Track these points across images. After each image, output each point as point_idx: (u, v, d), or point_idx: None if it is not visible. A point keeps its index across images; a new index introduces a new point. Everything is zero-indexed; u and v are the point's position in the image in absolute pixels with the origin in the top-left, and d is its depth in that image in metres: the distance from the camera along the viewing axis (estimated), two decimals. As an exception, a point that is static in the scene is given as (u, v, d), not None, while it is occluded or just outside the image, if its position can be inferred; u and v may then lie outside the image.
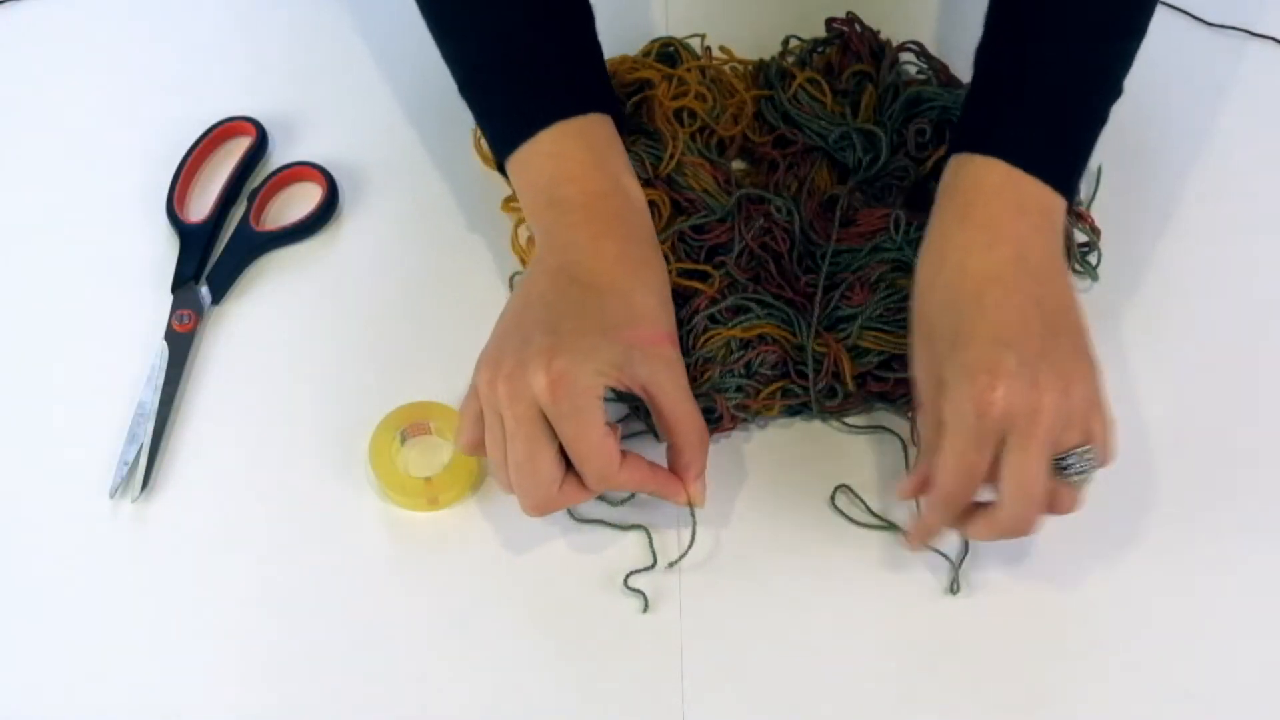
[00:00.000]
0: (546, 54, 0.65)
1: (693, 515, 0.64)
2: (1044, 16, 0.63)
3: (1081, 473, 0.57)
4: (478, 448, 0.60)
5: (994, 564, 0.64)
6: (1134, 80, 0.80)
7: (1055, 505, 0.58)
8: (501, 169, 0.66)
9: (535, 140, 0.63)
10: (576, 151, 0.63)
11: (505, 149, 0.65)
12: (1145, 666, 0.62)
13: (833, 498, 0.66)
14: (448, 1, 0.66)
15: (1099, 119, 0.65)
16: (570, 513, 0.65)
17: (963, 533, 0.61)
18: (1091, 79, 0.64)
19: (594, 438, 0.57)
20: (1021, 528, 0.58)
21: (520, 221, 0.74)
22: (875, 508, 0.66)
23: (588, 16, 0.67)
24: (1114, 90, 0.65)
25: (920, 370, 0.60)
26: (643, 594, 0.63)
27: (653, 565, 0.63)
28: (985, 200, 0.60)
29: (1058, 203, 0.61)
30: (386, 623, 0.63)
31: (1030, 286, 0.59)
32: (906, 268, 0.67)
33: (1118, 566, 0.64)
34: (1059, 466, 0.57)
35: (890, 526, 0.65)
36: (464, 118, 0.70)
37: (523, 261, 0.73)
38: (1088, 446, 0.57)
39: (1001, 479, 0.56)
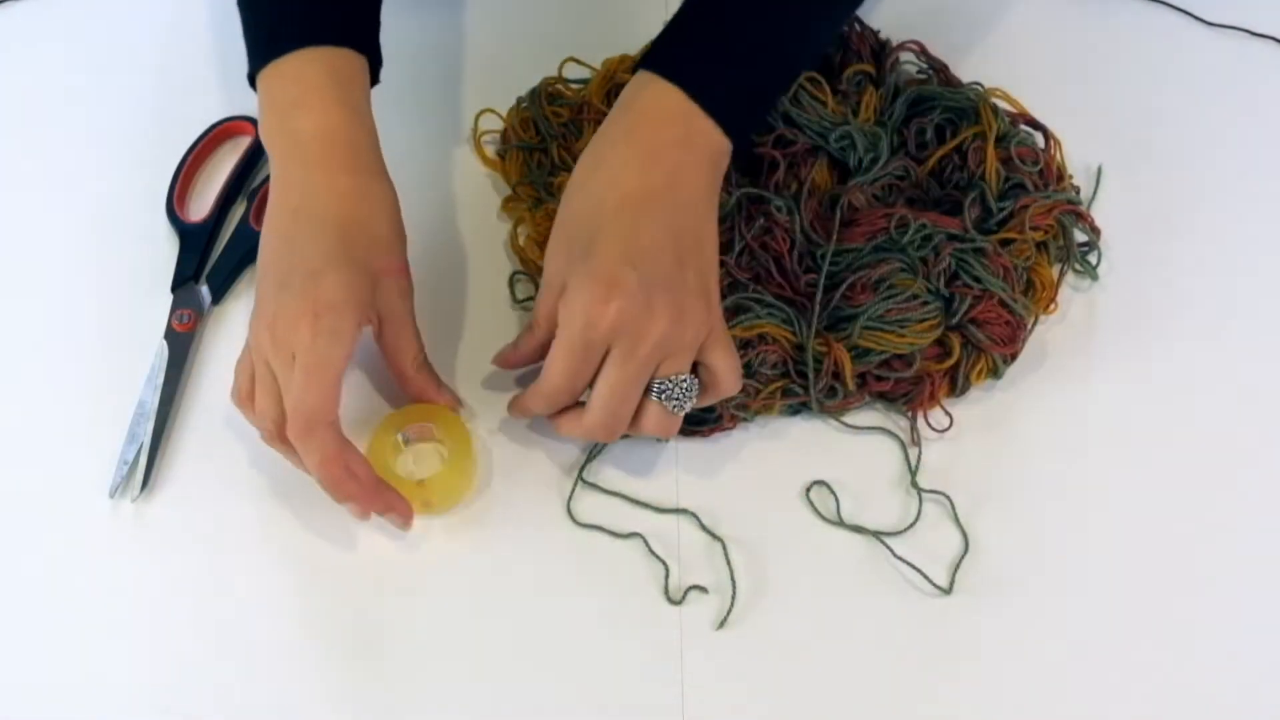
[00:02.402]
0: None
1: (729, 564, 0.64)
2: None
3: (674, 400, 0.60)
4: (246, 399, 0.62)
5: (991, 564, 0.64)
6: (1134, 80, 0.81)
7: (642, 422, 0.61)
8: (252, 83, 0.66)
9: (284, 60, 0.63)
10: (319, 80, 0.63)
11: (256, 63, 0.65)
12: (1144, 667, 0.62)
13: (834, 498, 0.66)
14: None
15: (786, 82, 0.68)
16: (571, 517, 0.65)
17: (554, 426, 0.63)
18: (789, 41, 0.65)
19: (328, 378, 0.59)
20: (602, 434, 0.61)
21: (519, 221, 0.74)
22: (874, 508, 0.66)
23: None
24: (806, 60, 0.69)
25: (550, 266, 0.62)
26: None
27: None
28: (654, 124, 0.62)
29: (724, 145, 0.63)
30: (385, 623, 0.63)
31: (672, 216, 0.60)
32: (909, 268, 0.67)
33: (1114, 566, 0.64)
34: (656, 389, 0.60)
35: (884, 531, 0.65)
36: (464, 117, 0.70)
37: (522, 261, 0.73)
38: (685, 376, 0.60)
39: (595, 386, 0.60)
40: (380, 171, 0.64)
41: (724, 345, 0.61)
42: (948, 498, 0.66)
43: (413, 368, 0.65)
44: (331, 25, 0.64)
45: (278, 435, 0.61)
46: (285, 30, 0.64)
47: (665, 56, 0.64)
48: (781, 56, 0.65)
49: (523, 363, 0.65)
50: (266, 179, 0.75)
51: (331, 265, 0.60)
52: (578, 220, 0.61)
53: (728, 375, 0.61)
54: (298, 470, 0.66)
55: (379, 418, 0.67)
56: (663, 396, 0.60)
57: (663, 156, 0.61)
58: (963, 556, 0.64)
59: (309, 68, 0.63)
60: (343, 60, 0.64)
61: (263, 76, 0.64)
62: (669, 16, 0.82)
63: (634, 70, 0.65)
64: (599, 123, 0.73)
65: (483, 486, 0.66)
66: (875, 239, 0.68)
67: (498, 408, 0.68)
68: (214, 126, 0.78)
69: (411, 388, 0.66)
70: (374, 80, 0.67)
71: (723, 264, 0.68)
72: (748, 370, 0.66)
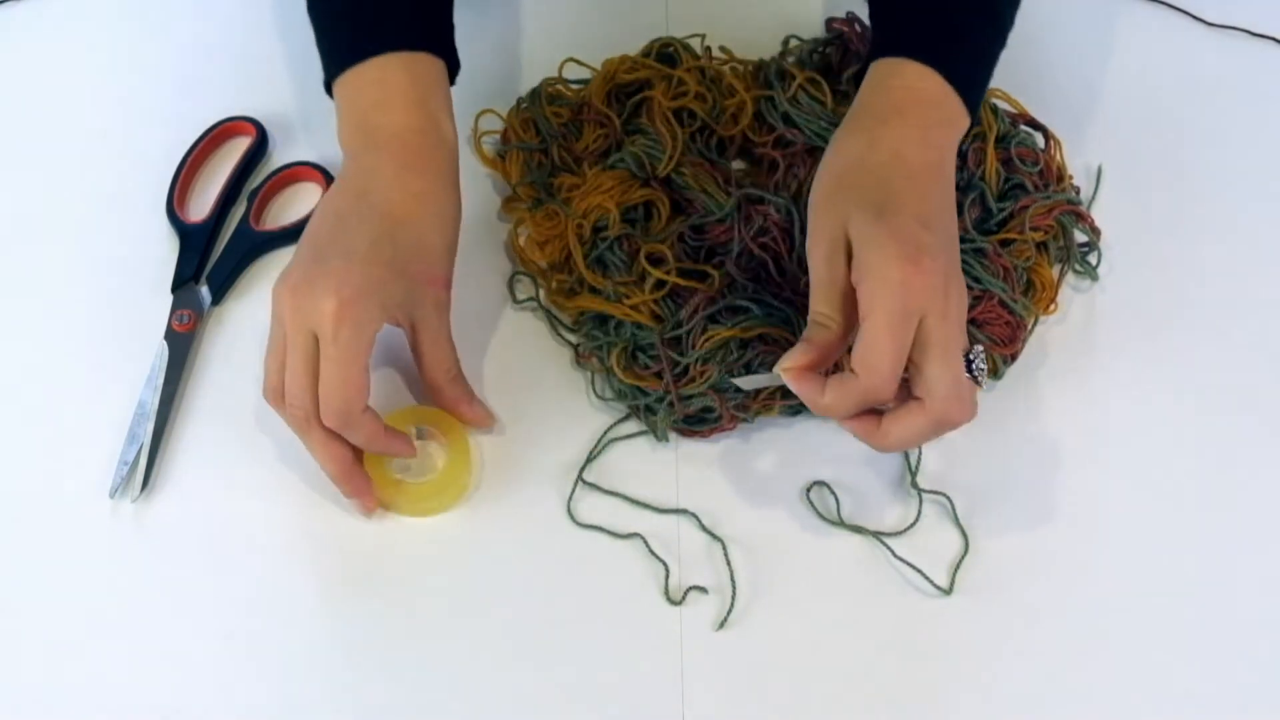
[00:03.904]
0: None
1: (729, 565, 0.64)
2: None
3: (980, 370, 0.57)
4: (276, 394, 0.61)
5: (991, 564, 0.64)
6: (1134, 80, 0.81)
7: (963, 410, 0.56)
8: (329, 90, 0.66)
9: (364, 65, 0.64)
10: (400, 83, 0.64)
11: (334, 69, 0.65)
12: (1144, 667, 0.62)
13: (834, 498, 0.66)
14: None
15: (998, 55, 0.68)
16: (571, 517, 0.65)
17: (876, 438, 0.58)
18: (1003, 26, 0.67)
19: (355, 370, 0.59)
20: (962, 412, 0.56)
21: (520, 221, 0.74)
22: (874, 508, 0.66)
23: None
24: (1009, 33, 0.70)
25: (822, 220, 0.58)
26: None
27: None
28: (923, 105, 0.62)
29: (967, 124, 0.64)
30: (385, 623, 0.63)
31: (944, 191, 0.61)
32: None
33: (1114, 566, 0.64)
34: (965, 360, 0.57)
35: (877, 532, 0.65)
36: (464, 117, 0.70)
37: (523, 261, 0.73)
38: (980, 346, 0.58)
39: (925, 365, 0.55)
40: (451, 182, 0.65)
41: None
42: (948, 498, 0.66)
43: (445, 379, 0.65)
44: (410, 29, 0.65)
45: (307, 423, 0.61)
46: (365, 35, 0.64)
47: (920, 40, 0.63)
48: (1002, 31, 0.66)
49: (824, 358, 0.58)
50: (267, 179, 0.76)
51: (370, 256, 0.60)
52: (861, 183, 0.59)
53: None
54: (297, 470, 0.66)
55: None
56: (973, 367, 0.57)
57: (934, 135, 0.62)
58: (963, 556, 0.64)
59: (390, 72, 0.64)
60: (422, 65, 0.65)
61: (341, 83, 0.65)
62: (669, 17, 0.83)
63: (871, 54, 0.64)
64: (599, 123, 0.74)
65: (483, 487, 0.66)
66: (875, 239, 0.68)
67: (497, 408, 0.68)
68: (214, 126, 0.78)
69: (443, 399, 0.66)
70: (451, 81, 0.67)
71: (721, 264, 0.68)
72: (747, 370, 0.66)
